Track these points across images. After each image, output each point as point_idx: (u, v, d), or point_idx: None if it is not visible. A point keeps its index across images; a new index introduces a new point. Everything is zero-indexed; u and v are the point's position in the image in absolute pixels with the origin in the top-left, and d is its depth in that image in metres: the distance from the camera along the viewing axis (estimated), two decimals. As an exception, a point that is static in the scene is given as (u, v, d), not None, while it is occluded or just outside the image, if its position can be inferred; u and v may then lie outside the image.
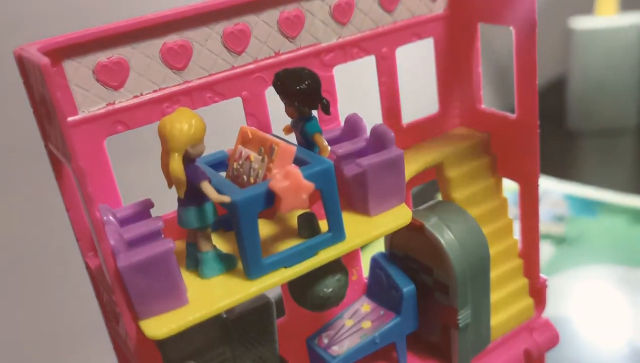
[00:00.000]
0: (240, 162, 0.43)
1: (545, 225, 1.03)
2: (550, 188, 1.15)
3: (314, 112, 0.47)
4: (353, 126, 0.50)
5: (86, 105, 0.42)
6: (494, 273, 0.54)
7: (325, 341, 0.52)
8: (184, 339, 0.42)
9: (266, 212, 0.43)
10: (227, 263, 0.42)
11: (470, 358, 0.54)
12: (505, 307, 0.57)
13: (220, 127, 0.50)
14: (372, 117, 0.52)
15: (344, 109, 0.53)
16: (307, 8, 0.49)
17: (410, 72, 0.66)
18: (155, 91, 0.45)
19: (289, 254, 0.41)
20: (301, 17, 0.49)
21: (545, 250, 0.97)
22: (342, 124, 0.51)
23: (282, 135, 0.47)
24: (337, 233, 0.43)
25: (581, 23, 1.30)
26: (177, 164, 0.38)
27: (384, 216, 0.47)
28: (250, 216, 0.39)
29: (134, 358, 0.41)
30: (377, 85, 0.55)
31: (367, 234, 0.45)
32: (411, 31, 0.55)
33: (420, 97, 0.77)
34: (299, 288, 0.45)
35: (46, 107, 0.37)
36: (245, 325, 0.45)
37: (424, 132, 0.59)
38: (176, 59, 0.45)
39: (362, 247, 0.55)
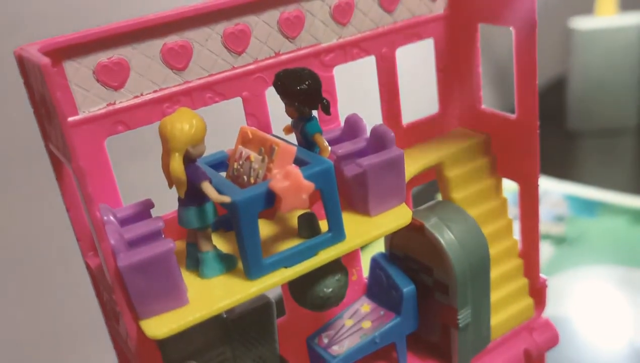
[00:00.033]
0: (240, 162, 0.43)
1: (545, 225, 1.03)
2: (550, 188, 1.15)
3: (314, 112, 0.47)
4: (353, 126, 0.50)
5: (86, 106, 0.42)
6: (494, 273, 0.54)
7: (326, 341, 0.52)
8: (184, 339, 0.42)
9: (266, 212, 0.43)
10: (227, 264, 0.42)
11: (470, 358, 0.54)
12: (505, 307, 0.57)
13: (221, 127, 0.50)
14: (372, 117, 0.52)
15: (344, 109, 0.53)
16: (307, 8, 0.49)
17: (410, 72, 0.66)
18: (155, 91, 0.45)
19: (289, 254, 0.41)
20: (301, 18, 0.49)
21: (545, 251, 0.97)
22: (342, 124, 0.51)
23: (282, 135, 0.47)
24: (337, 233, 0.43)
25: (581, 23, 1.30)
26: (177, 164, 0.38)
27: (384, 216, 0.47)
28: (250, 216, 0.39)
29: (134, 357, 0.41)
30: (377, 86, 0.55)
31: (367, 234, 0.45)
32: (411, 31, 0.55)
33: (420, 97, 0.77)
34: (299, 288, 0.45)
35: (46, 107, 0.37)
36: (246, 325, 0.45)
37: (424, 132, 0.59)
38: (176, 59, 0.45)
39: (362, 247, 0.55)
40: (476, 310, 0.52)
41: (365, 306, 0.55)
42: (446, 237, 0.50)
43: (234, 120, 0.50)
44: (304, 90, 0.44)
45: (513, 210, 0.58)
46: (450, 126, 0.60)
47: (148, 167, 0.58)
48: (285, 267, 0.41)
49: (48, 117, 0.39)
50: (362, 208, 0.47)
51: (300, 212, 0.44)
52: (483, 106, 0.58)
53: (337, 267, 0.46)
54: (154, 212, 0.44)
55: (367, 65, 0.56)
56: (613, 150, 1.30)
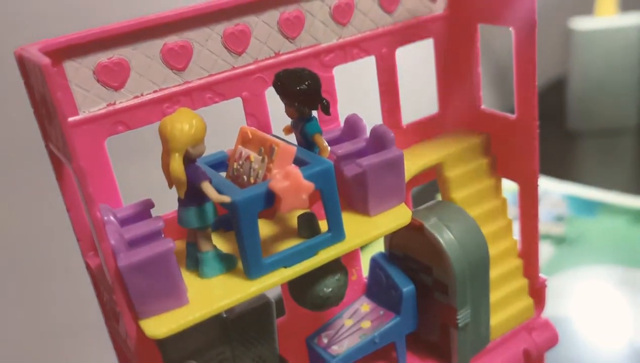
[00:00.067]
0: (240, 162, 0.43)
1: (545, 225, 1.03)
2: (550, 188, 1.15)
3: (314, 113, 0.47)
4: (353, 126, 0.50)
5: (87, 106, 0.42)
6: (493, 273, 0.55)
7: (325, 341, 0.52)
8: (183, 339, 0.42)
9: (266, 212, 0.43)
10: (227, 263, 0.42)
11: (469, 357, 0.54)
12: (504, 307, 0.57)
13: (221, 127, 0.50)
14: (372, 117, 0.52)
15: (344, 110, 0.53)
16: (307, 9, 0.49)
17: (410, 72, 0.66)
18: (155, 91, 0.45)
19: (289, 254, 0.41)
20: (301, 18, 0.49)
21: (545, 251, 0.97)
22: (342, 124, 0.51)
23: (282, 135, 0.47)
24: (336, 233, 0.43)
25: (581, 23, 1.30)
26: (177, 164, 0.38)
27: (384, 216, 0.47)
28: (250, 216, 0.39)
29: (134, 357, 0.41)
30: (377, 86, 0.55)
31: (366, 234, 0.45)
32: (411, 32, 0.55)
33: (420, 98, 0.77)
34: (299, 288, 0.45)
35: (47, 107, 0.38)
36: (245, 324, 0.45)
37: (424, 132, 0.59)
38: (177, 60, 0.45)
39: (362, 247, 0.55)
40: (475, 310, 0.52)
41: (364, 306, 0.55)
42: (445, 237, 0.50)
43: (233, 120, 0.50)
44: (303, 90, 0.44)
45: (513, 210, 0.58)
46: (450, 126, 0.60)
47: (148, 167, 0.58)
48: (285, 267, 0.41)
49: (48, 117, 0.39)
50: (362, 208, 0.47)
51: (300, 212, 0.44)
52: (483, 106, 0.58)
53: (336, 266, 0.46)
54: (154, 212, 0.44)
55: (367, 66, 0.56)
56: (613, 150, 1.30)
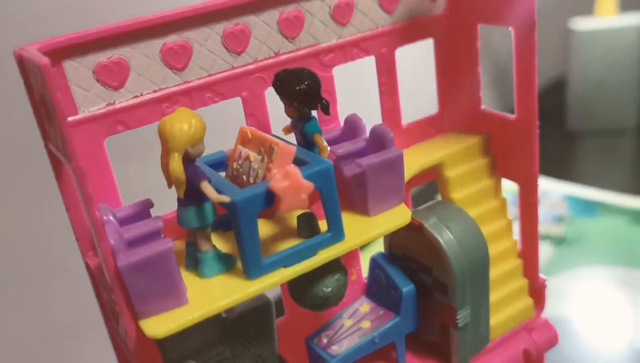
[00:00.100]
0: (239, 162, 0.43)
1: (545, 225, 1.03)
2: (550, 189, 1.15)
3: (314, 113, 0.47)
4: (353, 126, 0.50)
5: (86, 105, 0.42)
6: (493, 274, 0.55)
7: (325, 341, 0.52)
8: (183, 338, 0.42)
9: (266, 212, 0.43)
10: (226, 263, 0.42)
11: (469, 357, 0.54)
12: (504, 307, 0.57)
13: (220, 127, 0.50)
14: (371, 117, 0.52)
15: (343, 109, 0.53)
16: (306, 8, 0.49)
17: (410, 72, 0.66)
18: (155, 91, 0.45)
19: (289, 254, 0.41)
20: (301, 18, 0.49)
21: (545, 251, 0.97)
22: (342, 124, 0.51)
23: (282, 135, 0.47)
24: (336, 233, 0.43)
25: (581, 24, 1.30)
26: (176, 164, 0.38)
27: (384, 216, 0.47)
28: (249, 216, 0.39)
29: (134, 357, 0.41)
30: (377, 86, 0.55)
31: (366, 234, 0.45)
32: (411, 32, 0.55)
33: (420, 98, 0.77)
34: (299, 288, 0.45)
35: (46, 107, 0.38)
36: (245, 324, 0.45)
37: (424, 132, 0.59)
38: (176, 59, 0.45)
39: (362, 247, 0.55)
40: (475, 310, 0.52)
41: (364, 306, 0.55)
42: (445, 237, 0.50)
43: (233, 120, 0.50)
44: (303, 90, 0.44)
45: (513, 211, 0.58)
46: (450, 126, 0.60)
47: (147, 167, 0.58)
48: (285, 267, 0.41)
49: (48, 117, 0.39)
50: (362, 208, 0.47)
51: (300, 211, 0.44)
52: (483, 106, 0.58)
53: (336, 266, 0.46)
54: (153, 212, 0.44)
55: (366, 66, 0.56)
56: (613, 150, 1.30)
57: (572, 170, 1.25)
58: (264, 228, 0.45)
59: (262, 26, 0.47)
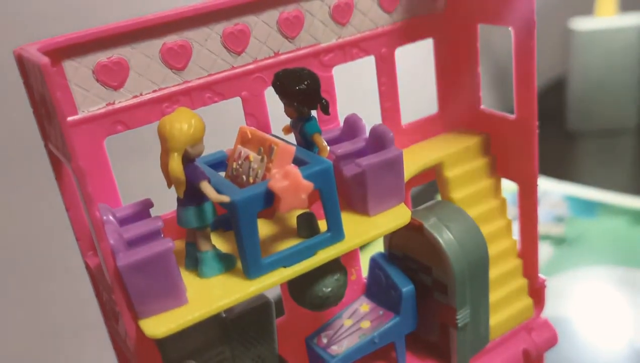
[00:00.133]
0: (239, 162, 0.43)
1: (544, 225, 1.03)
2: (550, 189, 1.15)
3: (313, 112, 0.47)
4: (352, 126, 0.50)
5: (86, 105, 0.42)
6: (493, 273, 0.55)
7: (325, 341, 0.52)
8: (183, 338, 0.42)
9: (265, 211, 0.43)
10: (226, 263, 0.42)
11: (469, 357, 0.54)
12: (504, 307, 0.57)
13: (220, 127, 0.50)
14: (371, 117, 0.52)
15: (343, 109, 0.53)
16: (306, 8, 0.49)
17: (409, 72, 0.66)
18: (154, 91, 0.45)
19: (288, 254, 0.41)
20: (301, 18, 0.49)
21: (545, 251, 0.97)
22: (342, 124, 0.51)
23: (282, 135, 0.47)
24: (336, 233, 0.43)
25: (581, 24, 1.30)
26: (176, 164, 0.38)
27: (383, 216, 0.47)
28: (249, 216, 0.39)
29: (134, 357, 0.41)
30: (377, 86, 0.55)
31: (366, 234, 0.45)
32: (411, 31, 0.55)
33: (419, 98, 0.77)
34: (298, 287, 0.45)
35: (46, 107, 0.38)
36: (245, 324, 0.45)
37: (424, 132, 0.59)
38: (176, 59, 0.45)
39: (362, 247, 0.55)
40: (475, 310, 0.52)
41: (364, 306, 0.55)
42: (445, 237, 0.50)
43: (233, 120, 0.50)
44: (302, 90, 0.44)
45: (512, 211, 0.58)
46: (450, 126, 0.60)
47: (147, 167, 0.58)
48: (284, 267, 0.41)
49: (48, 117, 0.39)
50: (361, 208, 0.47)
51: (299, 211, 0.44)
52: (482, 106, 0.58)
53: (336, 266, 0.46)
54: (153, 212, 0.44)
55: (366, 66, 0.56)
56: (613, 150, 1.30)
57: (572, 170, 1.25)
58: (264, 228, 0.45)
59: (262, 26, 0.47)
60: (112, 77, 0.43)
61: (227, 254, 0.42)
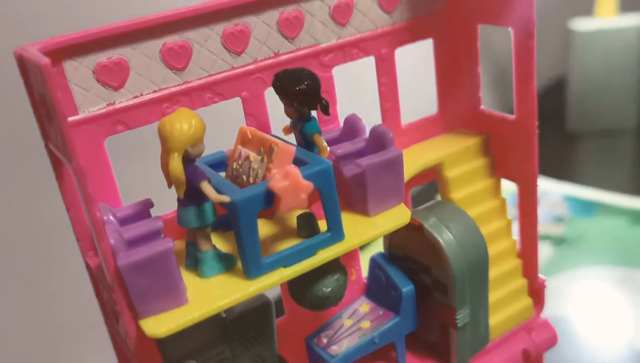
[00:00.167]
0: (239, 162, 0.43)
1: (544, 226, 1.03)
2: (550, 189, 1.15)
3: (313, 113, 0.47)
4: (352, 127, 0.50)
5: (86, 105, 0.43)
6: (492, 274, 0.55)
7: (325, 341, 0.52)
8: (183, 338, 0.42)
9: (265, 211, 0.43)
10: (226, 263, 0.42)
11: (468, 357, 0.54)
12: (503, 307, 0.57)
13: (220, 127, 0.50)
14: (371, 117, 0.52)
15: (343, 110, 0.53)
16: (306, 9, 0.49)
17: (409, 72, 0.66)
18: (155, 91, 0.45)
19: (288, 254, 0.41)
20: (300, 18, 0.49)
21: (545, 251, 0.97)
22: (342, 124, 0.51)
23: (282, 135, 0.47)
24: (336, 233, 0.43)
25: (581, 24, 1.30)
26: (176, 164, 0.38)
27: (383, 216, 0.47)
28: (249, 216, 0.39)
29: (134, 356, 0.42)
30: (377, 86, 0.55)
31: (366, 234, 0.45)
32: (410, 32, 0.55)
33: (419, 98, 0.77)
34: (298, 287, 0.45)
35: (46, 107, 0.38)
36: (245, 324, 0.45)
37: (423, 132, 0.59)
38: (176, 60, 0.45)
39: (361, 247, 0.55)
40: (474, 310, 0.52)
41: (364, 306, 0.55)
42: (445, 237, 0.50)
43: (233, 120, 0.50)
44: (302, 90, 0.44)
45: (512, 211, 0.58)
46: (450, 127, 0.60)
47: (147, 167, 0.58)
48: (284, 267, 0.41)
49: (48, 117, 0.39)
50: (361, 208, 0.47)
51: (299, 211, 0.44)
52: (482, 107, 0.58)
53: (336, 266, 0.46)
54: (153, 212, 0.44)
55: (366, 66, 0.56)
56: (612, 151, 1.30)
57: (571, 170, 1.25)
58: (264, 228, 0.45)
59: (261, 26, 0.47)
60: (113, 77, 0.43)
61: (227, 254, 0.42)
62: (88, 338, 0.75)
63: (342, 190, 0.47)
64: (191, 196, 0.40)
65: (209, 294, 0.40)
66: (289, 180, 0.39)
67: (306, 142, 0.46)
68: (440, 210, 0.52)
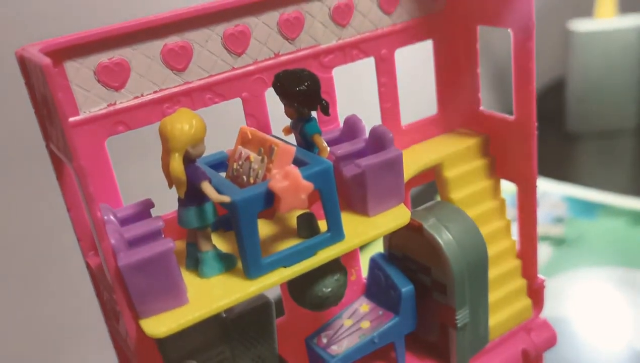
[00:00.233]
0: (240, 163, 0.44)
1: (544, 226, 1.03)
2: (550, 190, 1.15)
3: (314, 113, 0.47)
4: (352, 127, 0.50)
5: (87, 106, 0.43)
6: (492, 274, 0.55)
7: (324, 341, 0.52)
8: (183, 338, 0.42)
9: (266, 212, 0.43)
10: (226, 263, 0.42)
11: (468, 358, 0.54)
12: (503, 307, 0.57)
13: (220, 127, 0.50)
14: (371, 118, 0.53)
15: (343, 110, 0.53)
16: (306, 10, 0.49)
17: (409, 73, 0.66)
18: (155, 92, 0.45)
19: (288, 254, 0.42)
20: (301, 19, 0.49)
21: (544, 252, 0.97)
22: (342, 125, 0.51)
23: (282, 136, 0.47)
24: (336, 233, 0.43)
25: (580, 25, 1.30)
26: (177, 164, 0.38)
27: (383, 216, 0.47)
28: (249, 216, 0.39)
29: (134, 356, 0.42)
30: (377, 87, 0.55)
31: (365, 234, 0.45)
32: (410, 33, 0.55)
33: (419, 99, 0.77)
34: (298, 288, 0.46)
35: (48, 107, 0.38)
36: (245, 324, 0.45)
37: (423, 133, 0.59)
38: (177, 60, 0.45)
39: (361, 247, 0.55)
40: (474, 310, 0.52)
41: (364, 306, 0.55)
42: (444, 238, 0.50)
43: (233, 120, 0.50)
44: (303, 91, 0.44)
45: (512, 212, 0.58)
46: (449, 127, 0.60)
47: (148, 167, 0.58)
48: (284, 267, 0.41)
49: (49, 117, 0.39)
50: (361, 208, 0.47)
51: (300, 212, 0.44)
52: (482, 107, 0.58)
53: (336, 266, 0.46)
54: (154, 212, 0.45)
55: (366, 67, 0.56)
56: (612, 151, 1.30)
57: (571, 171, 1.25)
58: (264, 228, 0.45)
59: (262, 27, 0.48)
60: (113, 77, 0.43)
61: (228, 254, 0.42)
62: (88, 338, 0.75)
63: (342, 191, 0.47)
64: (192, 196, 0.40)
65: (209, 294, 0.40)
66: (289, 181, 0.39)
67: (306, 143, 0.46)
68: (440, 210, 0.52)
